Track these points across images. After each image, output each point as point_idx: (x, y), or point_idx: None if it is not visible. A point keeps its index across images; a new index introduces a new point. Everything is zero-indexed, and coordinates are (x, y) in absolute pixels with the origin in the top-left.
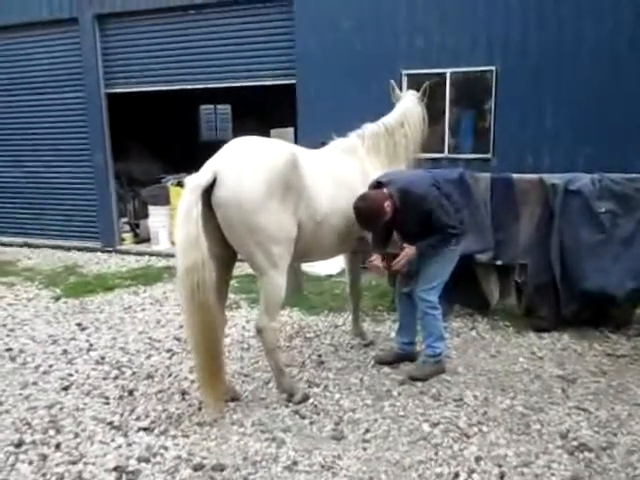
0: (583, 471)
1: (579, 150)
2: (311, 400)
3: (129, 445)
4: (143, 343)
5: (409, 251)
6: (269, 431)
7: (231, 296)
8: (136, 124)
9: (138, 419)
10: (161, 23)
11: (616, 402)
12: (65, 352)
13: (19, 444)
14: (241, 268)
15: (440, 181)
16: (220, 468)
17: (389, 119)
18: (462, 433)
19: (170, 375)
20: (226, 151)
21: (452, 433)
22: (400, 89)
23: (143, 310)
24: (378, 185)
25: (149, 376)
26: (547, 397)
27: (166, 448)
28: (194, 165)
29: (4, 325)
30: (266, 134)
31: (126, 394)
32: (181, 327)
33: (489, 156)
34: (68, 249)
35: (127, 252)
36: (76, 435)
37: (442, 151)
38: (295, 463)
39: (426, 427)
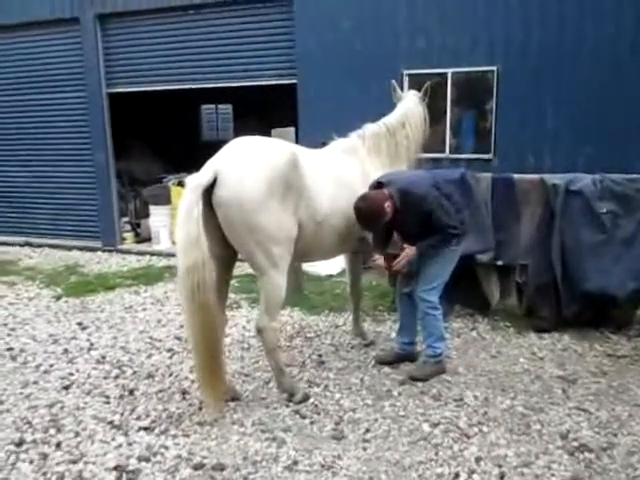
0: (583, 472)
1: (580, 150)
2: (311, 400)
3: (129, 444)
4: (144, 342)
5: (409, 251)
6: (269, 431)
7: (231, 296)
8: (137, 124)
9: (138, 418)
10: (162, 23)
11: (616, 403)
12: (66, 351)
13: (20, 443)
14: (241, 268)
15: (440, 182)
16: (220, 468)
17: (390, 119)
18: (462, 433)
19: (171, 374)
20: (227, 151)
21: (452, 433)
22: (401, 89)
23: (144, 309)
24: (378, 185)
25: (150, 375)
26: (547, 397)
27: (166, 447)
28: (195, 165)
29: (5, 324)
30: (267, 134)
31: (127, 393)
32: (182, 327)
33: (490, 156)
34: (69, 248)
35: (128, 251)
36: (77, 434)
37: (443, 151)
38: (295, 463)
39: (426, 427)
